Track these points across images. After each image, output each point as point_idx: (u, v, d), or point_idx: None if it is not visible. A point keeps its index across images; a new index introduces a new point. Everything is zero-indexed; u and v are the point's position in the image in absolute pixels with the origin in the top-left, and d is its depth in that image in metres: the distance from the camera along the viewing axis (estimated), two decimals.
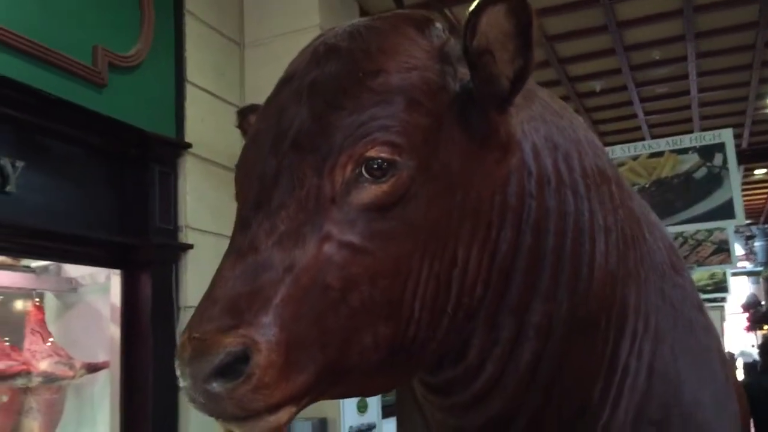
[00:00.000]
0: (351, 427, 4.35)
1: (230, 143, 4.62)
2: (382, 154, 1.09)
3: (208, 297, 1.01)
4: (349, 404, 4.35)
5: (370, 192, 1.09)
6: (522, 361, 1.28)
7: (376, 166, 1.09)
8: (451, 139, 1.20)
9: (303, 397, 1.03)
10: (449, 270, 1.17)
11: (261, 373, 0.96)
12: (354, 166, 1.09)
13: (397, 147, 1.11)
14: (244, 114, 1.45)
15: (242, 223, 1.10)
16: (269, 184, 1.10)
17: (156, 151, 3.98)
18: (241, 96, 4.74)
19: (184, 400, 3.91)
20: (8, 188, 3.22)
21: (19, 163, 3.28)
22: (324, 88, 1.14)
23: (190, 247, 4.09)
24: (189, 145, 4.19)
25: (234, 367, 0.96)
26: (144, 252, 3.91)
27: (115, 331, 3.90)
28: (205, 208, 4.30)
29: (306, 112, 1.12)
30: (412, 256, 1.12)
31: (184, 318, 4.03)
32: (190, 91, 4.31)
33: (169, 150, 4.11)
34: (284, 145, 1.11)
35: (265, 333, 0.97)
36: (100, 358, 3.94)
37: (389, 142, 1.10)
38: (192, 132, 4.26)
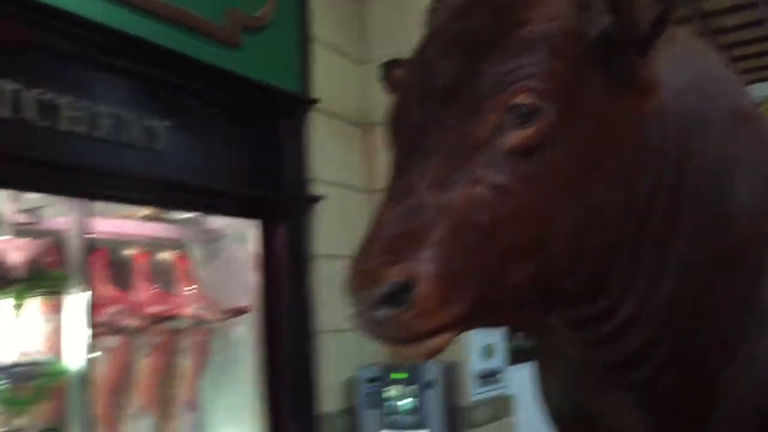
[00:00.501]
0: (477, 371, 4.48)
1: (354, 97, 4.76)
2: (528, 101, 1.16)
3: (371, 237, 1.13)
4: (476, 349, 4.47)
5: (516, 137, 1.16)
6: (661, 297, 1.33)
7: (521, 112, 1.16)
8: (592, 83, 1.24)
9: (458, 325, 1.13)
10: (591, 209, 1.23)
11: (422, 302, 1.07)
12: (500, 113, 1.16)
13: (541, 93, 1.17)
14: (387, 68, 1.54)
15: (397, 170, 1.20)
16: (420, 133, 1.19)
17: (286, 107, 4.18)
18: (366, 50, 4.85)
19: (318, 342, 4.16)
20: (157, 146, 3.50)
21: (166, 123, 3.54)
22: (470, 39, 1.21)
23: (320, 198, 4.28)
24: (316, 101, 4.35)
25: (398, 296, 1.07)
26: (278, 204, 4.14)
27: (254, 279, 4.18)
28: (332, 161, 4.48)
29: (453, 64, 1.20)
30: (556, 196, 1.19)
31: (316, 265, 4.26)
32: (315, 48, 4.46)
33: (297, 106, 4.29)
34: (434, 96, 1.20)
35: (424, 267, 1.08)
36: (242, 303, 4.23)
37: (534, 89, 1.16)
38: (318, 88, 4.41)
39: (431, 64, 1.23)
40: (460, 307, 1.11)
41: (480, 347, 4.51)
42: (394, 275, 1.06)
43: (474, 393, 4.46)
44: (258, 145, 4.08)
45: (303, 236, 4.22)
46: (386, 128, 1.30)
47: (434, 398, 4.18)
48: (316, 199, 4.27)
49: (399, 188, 1.16)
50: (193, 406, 3.97)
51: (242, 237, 4.32)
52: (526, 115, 1.16)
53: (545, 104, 1.16)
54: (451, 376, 4.33)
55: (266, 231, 4.15)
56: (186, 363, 3.99)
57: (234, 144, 3.96)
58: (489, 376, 4.57)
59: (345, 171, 4.59)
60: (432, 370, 4.21)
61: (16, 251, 3.13)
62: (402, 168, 1.18)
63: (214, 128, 3.85)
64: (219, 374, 4.25)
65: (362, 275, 1.10)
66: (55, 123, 3.05)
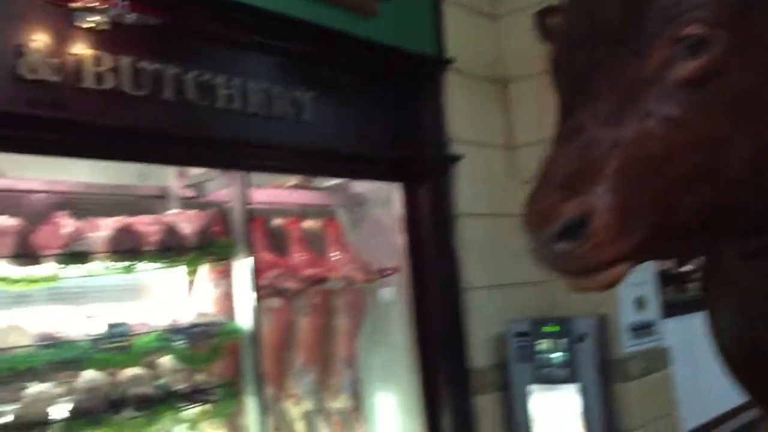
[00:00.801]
0: (630, 324, 4.40)
1: (488, 54, 4.74)
2: (696, 31, 1.15)
3: (545, 176, 1.17)
4: (628, 302, 4.39)
5: (685, 68, 1.16)
6: None
7: (690, 43, 1.16)
8: (763, 8, 1.20)
9: (633, 256, 1.16)
10: (766, 134, 1.21)
11: (599, 234, 1.11)
12: (669, 47, 1.16)
13: (709, 23, 1.16)
14: (541, 16, 1.55)
15: (566, 112, 1.23)
16: (587, 75, 1.21)
17: (422, 70, 4.23)
18: (497, 5, 4.81)
19: (466, 299, 4.23)
20: (303, 117, 3.67)
21: (311, 94, 3.70)
22: None
23: (460, 157, 4.32)
24: (451, 61, 4.37)
25: (574, 231, 1.11)
26: (419, 165, 4.23)
27: (401, 239, 4.30)
28: (470, 120, 4.51)
29: (617, 3, 1.20)
30: (728, 124, 1.18)
31: (460, 224, 4.32)
32: (447, 8, 4.47)
33: (433, 67, 4.33)
34: (599, 38, 1.21)
35: (599, 201, 1.11)
36: (390, 264, 4.37)
37: (701, 19, 1.15)
38: (453, 47, 4.43)
39: (595, 7, 1.24)
40: (635, 238, 1.14)
41: (631, 300, 4.42)
42: (570, 210, 1.10)
43: (627, 346, 4.39)
44: (397, 109, 4.17)
45: (445, 196, 4.29)
46: (550, 74, 1.32)
47: (586, 351, 4.15)
48: (456, 158, 4.32)
49: (569, 128, 1.19)
50: (350, 362, 4.17)
51: (386, 200, 4.45)
52: (695, 46, 1.15)
53: (715, 33, 1.15)
54: (603, 329, 4.28)
55: (409, 193, 4.25)
56: (342, 322, 4.19)
57: (374, 110, 4.07)
58: (642, 329, 4.48)
59: (483, 129, 4.60)
60: (583, 324, 4.19)
61: (186, 223, 3.40)
62: (570, 109, 1.21)
63: (355, 96, 3.98)
64: (373, 332, 4.44)
65: (539, 213, 1.14)
66: (212, 102, 3.27)
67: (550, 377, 4.20)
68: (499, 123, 4.77)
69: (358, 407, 4.18)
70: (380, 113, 4.10)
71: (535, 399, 4.28)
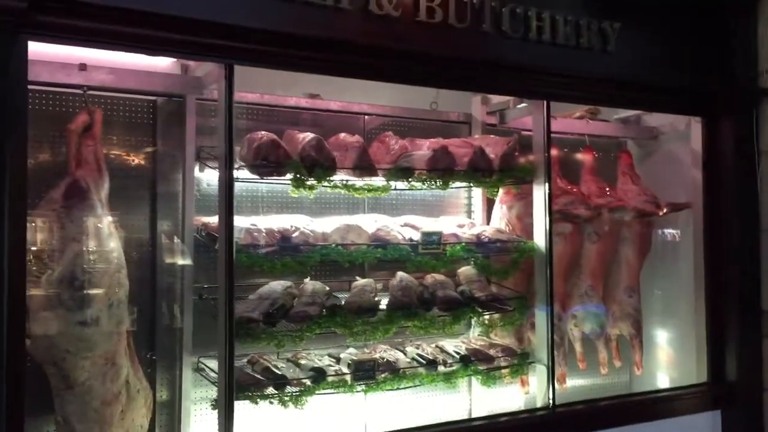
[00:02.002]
0: None
1: None
2: None
3: None
4: None
5: None
6: None
7: None
8: None
9: None
10: None
11: None
12: None
13: None
14: None
15: None
16: None
17: None
18: None
19: (764, 240, 4.06)
20: (609, 47, 3.71)
21: (616, 25, 3.72)
22: None
23: None
24: None
25: None
26: (724, 98, 4.07)
27: (696, 175, 4.22)
28: None
29: None
30: None
31: (764, 162, 4.11)
32: None
33: None
34: None
35: None
36: (682, 199, 4.32)
37: None
38: None
39: None
40: None
41: None
42: None
43: None
44: (705, 39, 4.03)
45: (751, 132, 4.10)
46: None
47: None
48: (765, 92, 4.08)
49: None
50: (633, 291, 4.25)
51: (682, 134, 4.37)
52: None
53: None
54: None
55: (711, 127, 4.13)
56: (628, 252, 4.27)
57: (680, 40, 3.97)
58: None
59: None
60: None
61: (491, 147, 3.68)
62: None
63: (662, 26, 3.91)
64: (657, 265, 4.46)
65: None
66: (525, 33, 3.45)
67: None
68: None
69: (637, 336, 4.27)
70: (686, 44, 3.99)
71: None
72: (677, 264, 4.43)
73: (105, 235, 2.86)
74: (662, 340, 4.51)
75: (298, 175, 3.12)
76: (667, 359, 4.46)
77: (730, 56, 4.09)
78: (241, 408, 2.94)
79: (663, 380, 4.44)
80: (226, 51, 2.83)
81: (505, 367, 3.64)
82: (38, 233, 2.78)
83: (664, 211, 4.27)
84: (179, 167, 3.26)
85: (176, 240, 3.24)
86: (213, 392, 3.05)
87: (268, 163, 3.06)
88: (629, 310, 4.25)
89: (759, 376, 4.11)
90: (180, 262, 3.25)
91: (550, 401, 3.60)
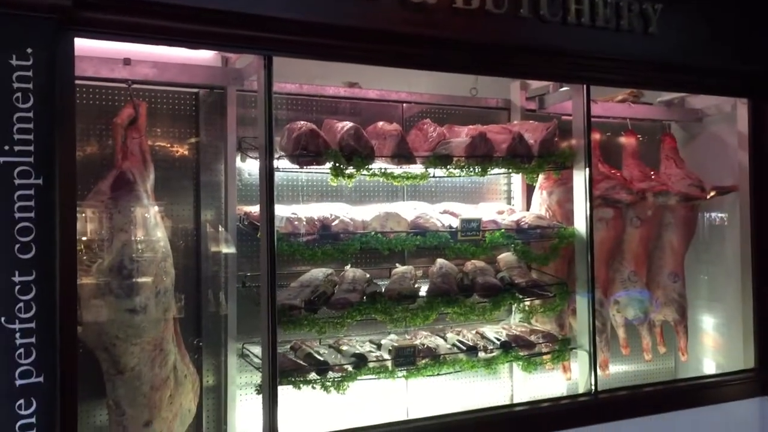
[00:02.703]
0: None
1: None
2: None
3: None
4: None
5: None
6: None
7: None
8: None
9: None
10: None
11: None
12: None
13: None
14: None
15: None
16: None
17: None
18: None
19: None
20: (650, 29, 3.65)
21: (658, 6, 3.66)
22: None
23: None
24: None
25: None
26: None
27: (742, 158, 4.13)
28: None
29: None
30: None
31: None
32: None
33: None
34: None
35: None
36: (727, 182, 4.23)
37: None
38: None
39: None
40: None
41: None
42: None
43: None
44: (750, 20, 3.93)
45: None
46: None
47: None
48: None
49: None
50: (677, 276, 4.20)
51: (727, 116, 4.28)
52: None
53: None
54: None
55: (757, 109, 4.04)
56: (671, 236, 4.21)
57: (724, 21, 3.88)
58: None
59: None
60: None
61: (530, 132, 3.66)
62: None
63: (705, 6, 3.83)
64: (702, 249, 4.39)
65: None
66: (564, 17, 3.42)
67: None
68: None
69: (681, 321, 4.22)
70: (731, 24, 3.91)
71: None
72: (723, 248, 4.36)
73: (151, 224, 2.94)
74: (708, 325, 4.44)
75: (337, 164, 3.15)
76: (714, 345, 4.40)
77: None
78: (285, 393, 3.01)
79: (709, 366, 4.38)
80: (264, 42, 2.87)
81: (546, 353, 3.63)
82: (88, 224, 2.88)
83: (710, 194, 4.20)
84: (221, 158, 3.33)
85: (220, 229, 3.31)
86: (257, 377, 3.12)
87: (307, 152, 3.10)
88: (673, 295, 4.20)
89: None
90: (224, 250, 3.32)
91: (592, 387, 3.59)
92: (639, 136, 4.31)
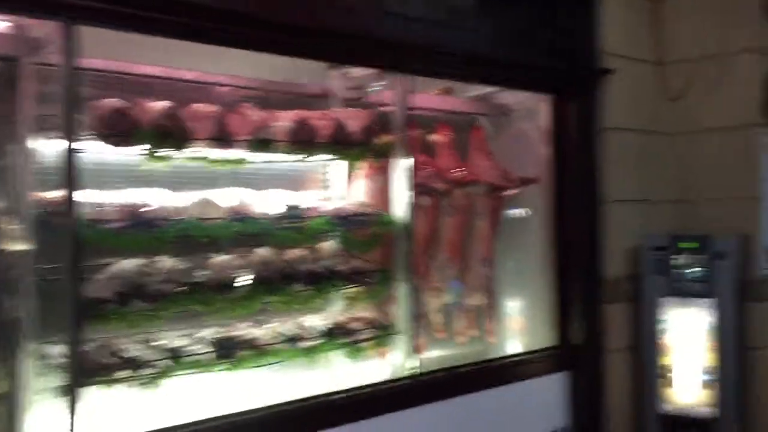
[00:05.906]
0: None
1: None
2: None
3: None
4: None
5: None
6: None
7: None
8: None
9: None
10: None
11: None
12: None
13: None
14: None
15: None
16: None
17: None
18: None
19: (605, 212, 4.33)
20: (466, 23, 3.80)
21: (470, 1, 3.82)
22: None
23: (611, 71, 4.35)
24: None
25: None
26: (571, 78, 4.30)
27: (543, 151, 4.43)
28: (622, 34, 4.51)
29: None
30: None
31: (606, 138, 4.39)
32: None
33: None
34: None
35: None
36: (531, 174, 4.52)
37: None
38: None
39: None
40: None
41: None
42: None
43: (764, 267, 4.40)
44: (553, 20, 4.22)
45: (594, 110, 4.35)
46: None
47: (725, 269, 4.21)
48: (607, 72, 4.35)
49: None
50: (488, 261, 4.41)
51: (531, 112, 4.57)
52: None
53: None
54: (744, 248, 4.30)
55: (558, 105, 4.35)
56: (482, 224, 4.41)
57: (531, 19, 4.13)
58: None
59: (634, 43, 4.59)
60: (724, 242, 4.23)
61: (352, 120, 3.67)
62: None
63: (515, 3, 4.04)
64: (510, 236, 4.65)
65: None
66: (380, 4, 3.45)
67: (684, 290, 4.30)
68: (650, 38, 4.72)
69: (491, 305, 4.44)
70: (537, 23, 4.16)
71: (666, 311, 4.40)
72: (530, 236, 4.64)
73: None
74: (516, 308, 4.71)
75: (149, 146, 2.95)
76: (522, 327, 4.67)
77: (577, 36, 4.32)
78: (92, 395, 2.75)
79: (518, 347, 4.65)
80: (63, 8, 2.59)
81: (367, 340, 3.65)
82: None
83: (515, 185, 4.45)
84: (14, 138, 2.98)
85: (13, 219, 2.96)
86: (59, 380, 2.83)
87: (116, 132, 2.87)
88: (484, 281, 4.41)
89: (599, 338, 4.42)
90: (18, 243, 2.97)
91: (413, 370, 3.66)
92: (454, 128, 4.47)
